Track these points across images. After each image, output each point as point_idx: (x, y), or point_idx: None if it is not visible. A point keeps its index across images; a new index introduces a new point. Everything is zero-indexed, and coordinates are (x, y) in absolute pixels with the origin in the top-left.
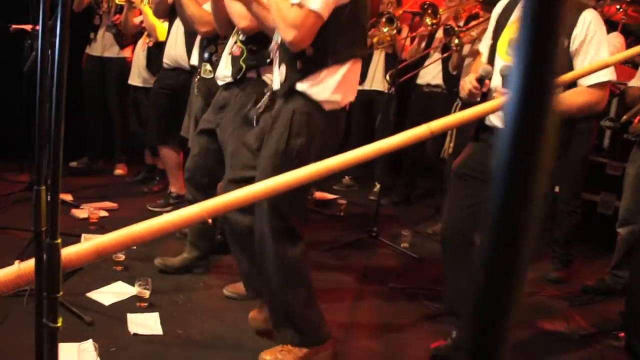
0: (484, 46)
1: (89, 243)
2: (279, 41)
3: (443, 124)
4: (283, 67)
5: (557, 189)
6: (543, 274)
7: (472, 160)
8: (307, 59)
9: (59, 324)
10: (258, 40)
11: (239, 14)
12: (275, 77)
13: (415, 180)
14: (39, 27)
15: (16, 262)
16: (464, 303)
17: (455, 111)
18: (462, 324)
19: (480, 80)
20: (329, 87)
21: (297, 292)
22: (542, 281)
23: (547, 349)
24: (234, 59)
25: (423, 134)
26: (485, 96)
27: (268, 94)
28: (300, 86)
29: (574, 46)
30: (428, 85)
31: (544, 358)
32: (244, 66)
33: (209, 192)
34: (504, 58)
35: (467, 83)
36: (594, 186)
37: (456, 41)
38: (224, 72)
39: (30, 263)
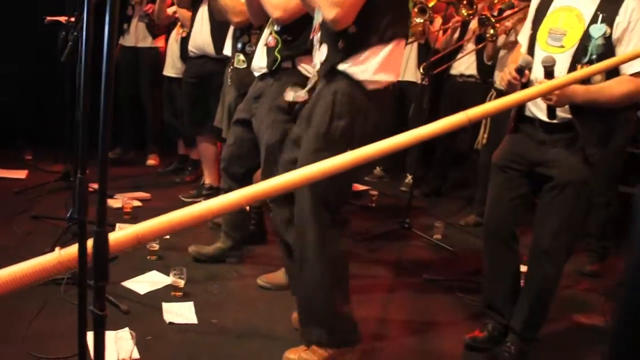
0: (523, 37)
1: (129, 230)
2: (320, 20)
3: (481, 112)
4: (324, 47)
5: None
6: (578, 267)
7: (512, 152)
8: (350, 38)
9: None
10: (293, 30)
11: (273, 4)
12: (316, 58)
13: (447, 171)
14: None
15: (56, 248)
16: (504, 298)
17: (490, 101)
18: (499, 318)
19: (520, 70)
20: (372, 67)
21: (334, 289)
22: (577, 275)
23: (584, 344)
24: (269, 50)
25: (461, 121)
26: (526, 87)
27: (314, 78)
28: (342, 66)
29: (616, 34)
30: (462, 75)
31: (581, 352)
32: (279, 57)
33: (245, 181)
34: (545, 48)
35: (507, 74)
36: (631, 178)
37: (491, 31)
38: (259, 63)
39: (71, 250)
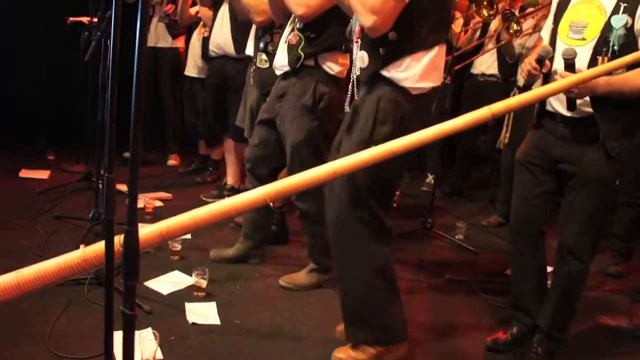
0: (545, 32)
1: (153, 227)
2: (359, 27)
3: (505, 106)
4: (365, 54)
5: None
6: (602, 268)
7: (535, 148)
8: (390, 46)
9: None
10: (315, 27)
11: (296, 1)
12: (357, 63)
13: (469, 171)
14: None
15: (81, 246)
16: (531, 298)
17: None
18: (526, 319)
19: (540, 61)
20: (415, 74)
21: (380, 289)
22: (602, 275)
23: (609, 345)
24: (291, 47)
25: (485, 116)
26: (547, 78)
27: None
28: (385, 72)
29: (638, 25)
30: (483, 74)
31: (607, 354)
32: (302, 54)
33: (270, 181)
34: (565, 41)
35: (527, 64)
36: None
37: (515, 27)
38: (281, 61)
39: (96, 247)
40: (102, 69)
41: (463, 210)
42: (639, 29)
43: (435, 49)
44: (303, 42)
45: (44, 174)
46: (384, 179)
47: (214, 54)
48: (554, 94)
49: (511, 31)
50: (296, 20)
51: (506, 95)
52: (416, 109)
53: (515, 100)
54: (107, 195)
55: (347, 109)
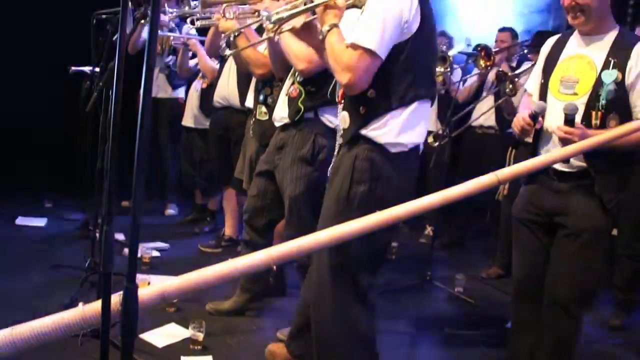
0: (532, 85)
1: (154, 287)
2: (341, 88)
3: (511, 172)
4: (346, 114)
5: (614, 231)
6: (604, 320)
7: (530, 204)
8: (370, 103)
9: None
10: (316, 81)
11: (297, 56)
12: (339, 124)
13: (468, 222)
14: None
15: (80, 304)
16: (529, 354)
17: (509, 156)
18: None
19: (534, 117)
20: (393, 129)
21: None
22: (604, 329)
23: None
24: (291, 100)
25: (490, 182)
26: (539, 134)
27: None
28: (364, 131)
29: (629, 79)
30: (481, 127)
31: None
32: (302, 108)
33: (267, 233)
34: (557, 96)
35: (520, 120)
36: None
37: (510, 87)
38: (281, 113)
39: (95, 306)
40: (103, 118)
41: (462, 262)
42: (630, 84)
43: (414, 105)
44: (303, 96)
45: (41, 222)
46: (376, 245)
47: (219, 104)
48: (562, 159)
49: (507, 90)
50: (296, 73)
51: (505, 148)
52: (395, 168)
53: (523, 165)
54: (105, 248)
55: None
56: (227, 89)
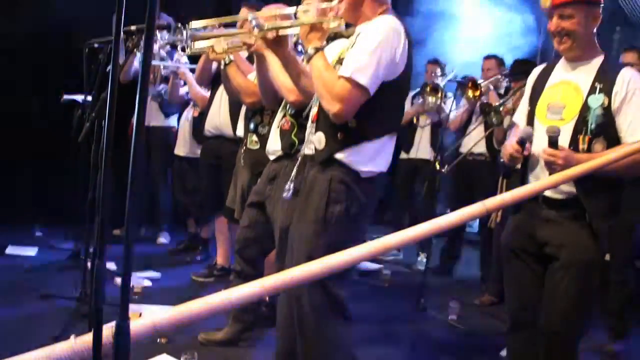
0: (519, 116)
1: (146, 320)
2: (317, 109)
3: (499, 202)
4: (322, 136)
5: (607, 257)
6: (597, 346)
7: (520, 233)
8: (349, 131)
9: None
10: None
11: (287, 88)
12: (308, 142)
13: (460, 249)
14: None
15: (72, 336)
16: None
17: (501, 184)
18: None
19: (522, 143)
20: (366, 157)
21: None
22: (597, 355)
23: None
24: (284, 133)
25: (479, 212)
26: (527, 160)
27: (299, 161)
28: (339, 155)
29: (615, 104)
30: (471, 153)
31: None
32: (296, 141)
33: (258, 264)
34: (544, 122)
35: (508, 147)
36: None
37: (495, 117)
38: (274, 146)
39: (86, 339)
40: (95, 147)
41: (456, 290)
42: (616, 109)
43: (387, 136)
44: (296, 129)
45: (31, 251)
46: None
47: (210, 133)
48: (549, 187)
49: (494, 120)
50: (288, 106)
51: (495, 174)
52: (365, 191)
53: (510, 195)
54: (96, 283)
55: (289, 185)
56: (218, 118)
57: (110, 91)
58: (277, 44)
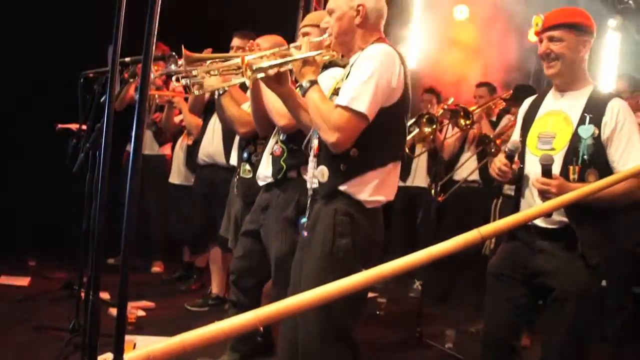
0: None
1: (140, 352)
2: (318, 142)
3: (494, 229)
4: (324, 169)
5: (604, 282)
6: None
7: (510, 261)
8: (351, 161)
9: None
10: (298, 139)
11: (278, 112)
12: (311, 175)
13: (456, 276)
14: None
15: None
16: None
17: (495, 209)
18: None
19: (510, 156)
20: (371, 187)
21: None
22: None
23: None
24: (275, 159)
25: (474, 239)
26: (519, 177)
27: (310, 197)
28: (342, 187)
29: (605, 134)
30: (465, 181)
31: None
32: (284, 166)
33: (255, 294)
34: (535, 152)
35: (496, 162)
36: None
37: (493, 146)
38: (265, 172)
39: None
40: (90, 177)
41: (452, 317)
42: (606, 139)
43: (391, 165)
44: (286, 154)
45: (24, 281)
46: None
47: (203, 162)
48: (543, 214)
49: (492, 151)
50: (280, 132)
51: (489, 200)
52: (370, 221)
53: (505, 221)
54: (91, 319)
55: (304, 219)
56: (211, 146)
57: (105, 124)
58: (277, 81)
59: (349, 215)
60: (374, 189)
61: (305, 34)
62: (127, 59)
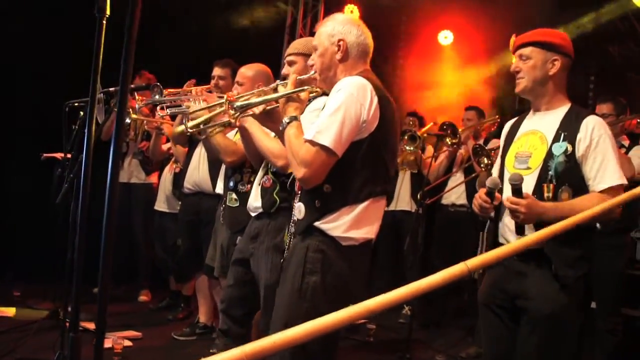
0: (496, 168)
1: None
2: None
3: (481, 261)
4: (302, 206)
5: (593, 304)
6: None
7: (494, 287)
8: (325, 197)
9: None
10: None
11: (273, 154)
12: (295, 214)
13: (446, 301)
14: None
15: None
16: None
17: (482, 238)
18: None
19: (490, 193)
20: (345, 223)
21: None
22: None
23: None
24: (265, 191)
25: (461, 272)
26: (499, 211)
27: (292, 230)
28: (317, 223)
29: (579, 152)
30: (453, 205)
31: None
32: (278, 199)
33: (245, 323)
34: (512, 171)
35: (477, 199)
36: (632, 300)
37: (485, 161)
38: (255, 203)
39: None
40: (74, 207)
41: (441, 342)
42: (581, 156)
43: (368, 202)
44: (278, 187)
45: (9, 312)
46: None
47: (189, 190)
48: (531, 245)
49: (482, 166)
50: (269, 164)
51: (478, 225)
52: (347, 261)
53: (492, 254)
54: (71, 355)
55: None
56: (197, 175)
57: (85, 153)
58: (268, 117)
59: (321, 252)
60: (348, 224)
61: (291, 63)
62: (112, 89)
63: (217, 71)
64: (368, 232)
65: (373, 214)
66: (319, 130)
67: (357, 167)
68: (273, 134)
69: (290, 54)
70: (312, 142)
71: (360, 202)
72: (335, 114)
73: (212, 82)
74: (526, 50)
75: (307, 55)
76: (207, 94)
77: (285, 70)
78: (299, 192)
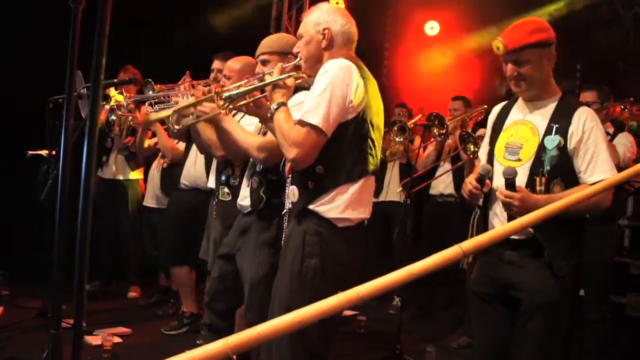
0: (482, 152)
1: None
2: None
3: (475, 244)
4: (295, 189)
5: (582, 292)
6: None
7: (486, 276)
8: (318, 178)
9: None
10: (276, 170)
11: (254, 146)
12: (288, 197)
13: (435, 291)
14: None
15: None
16: None
17: (473, 222)
18: None
19: (481, 180)
20: (340, 205)
21: None
22: None
23: None
24: (253, 191)
25: (456, 255)
26: (489, 197)
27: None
28: (312, 206)
29: (571, 144)
30: (441, 195)
31: None
32: (264, 197)
33: (228, 316)
34: (502, 162)
35: (468, 184)
36: (620, 287)
37: (472, 148)
38: (243, 202)
39: None
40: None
41: (432, 333)
42: (573, 149)
43: (361, 181)
44: (264, 186)
45: None
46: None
47: (185, 186)
48: (527, 226)
49: (469, 153)
50: (256, 165)
51: (466, 214)
52: (344, 242)
53: (486, 236)
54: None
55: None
56: (194, 171)
57: (63, 148)
58: (257, 107)
59: (318, 235)
60: (343, 206)
61: (264, 62)
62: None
63: (216, 64)
64: (363, 212)
65: (366, 193)
66: (307, 110)
67: (347, 147)
68: (254, 127)
69: (263, 53)
70: (301, 123)
71: (354, 182)
72: (322, 94)
73: (212, 75)
74: (523, 55)
75: (281, 54)
76: (195, 89)
77: (259, 69)
78: (289, 175)
